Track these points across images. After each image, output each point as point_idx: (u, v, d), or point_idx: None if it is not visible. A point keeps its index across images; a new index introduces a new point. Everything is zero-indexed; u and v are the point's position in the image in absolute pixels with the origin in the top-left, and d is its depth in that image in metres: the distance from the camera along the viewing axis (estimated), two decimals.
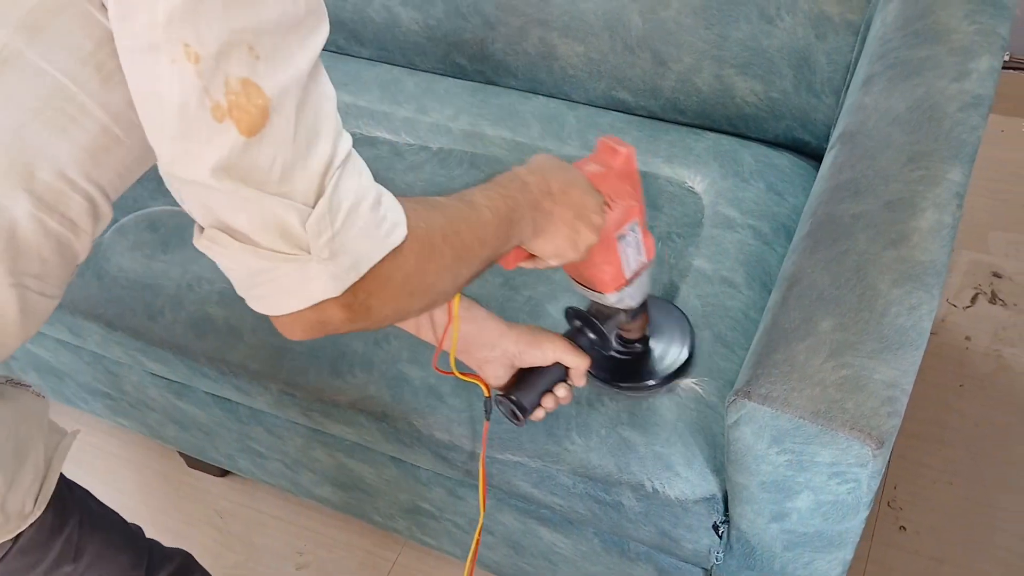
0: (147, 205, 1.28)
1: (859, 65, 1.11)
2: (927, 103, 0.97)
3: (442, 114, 1.37)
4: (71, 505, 0.82)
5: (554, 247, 0.80)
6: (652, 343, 1.03)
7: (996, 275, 1.74)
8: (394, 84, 1.44)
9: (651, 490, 0.95)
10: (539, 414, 0.91)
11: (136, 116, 0.58)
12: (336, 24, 1.49)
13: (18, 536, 0.74)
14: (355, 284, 0.61)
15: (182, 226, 1.25)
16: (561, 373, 0.91)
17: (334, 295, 0.60)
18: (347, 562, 1.51)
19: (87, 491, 0.88)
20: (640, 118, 1.37)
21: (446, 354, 0.89)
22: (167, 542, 1.07)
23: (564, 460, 0.99)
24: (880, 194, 0.90)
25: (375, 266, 0.61)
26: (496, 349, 0.90)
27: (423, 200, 0.67)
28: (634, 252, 0.90)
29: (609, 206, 0.84)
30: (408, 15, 1.43)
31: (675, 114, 1.36)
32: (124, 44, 0.55)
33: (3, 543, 0.73)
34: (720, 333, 1.05)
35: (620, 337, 1.01)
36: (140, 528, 0.96)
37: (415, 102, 1.39)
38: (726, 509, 0.94)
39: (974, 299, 1.71)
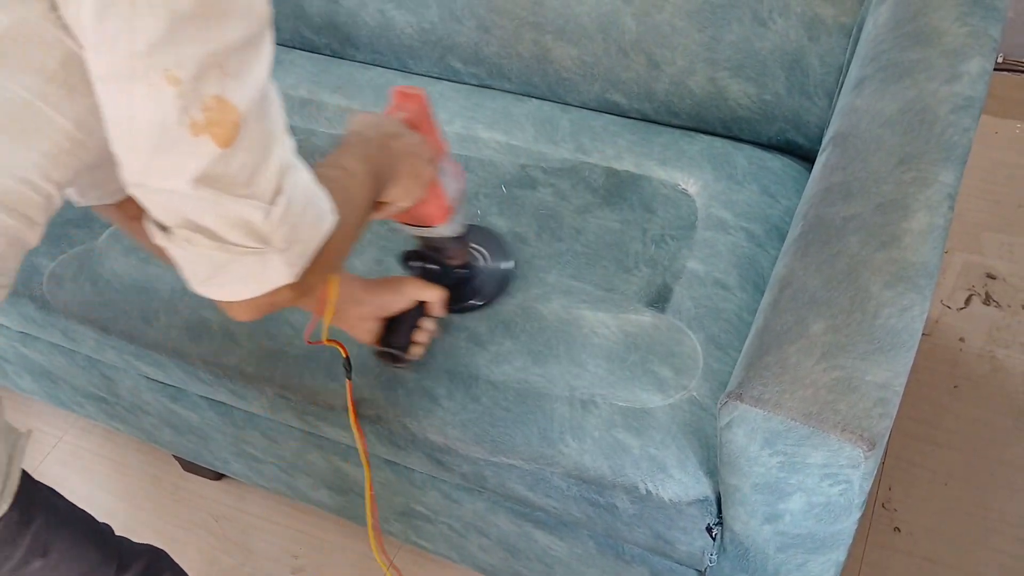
0: None
1: (851, 67, 1.12)
2: (919, 105, 0.97)
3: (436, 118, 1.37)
4: (37, 502, 0.83)
5: (404, 189, 0.88)
6: (479, 266, 1.14)
7: (990, 276, 1.74)
8: (388, 87, 1.44)
9: (645, 492, 0.96)
10: (417, 351, 1.02)
11: (97, 121, 0.62)
12: (330, 28, 1.49)
13: None
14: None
15: None
16: (420, 310, 1.01)
17: (289, 280, 0.68)
18: (342, 565, 1.51)
19: (53, 489, 0.89)
20: (634, 120, 1.37)
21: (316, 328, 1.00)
22: (162, 546, 1.07)
23: (558, 463, 0.99)
24: (872, 196, 0.90)
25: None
26: (363, 304, 0.98)
27: (322, 176, 0.73)
28: (451, 182, 1.00)
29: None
30: (402, 18, 1.43)
31: (669, 117, 1.36)
32: (99, 72, 0.58)
33: None
34: (713, 335, 1.06)
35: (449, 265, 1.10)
36: (109, 527, 0.97)
37: None
38: (719, 511, 0.94)
39: (968, 300, 1.71)
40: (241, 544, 1.56)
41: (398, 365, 1.02)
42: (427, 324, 1.01)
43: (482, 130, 1.34)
